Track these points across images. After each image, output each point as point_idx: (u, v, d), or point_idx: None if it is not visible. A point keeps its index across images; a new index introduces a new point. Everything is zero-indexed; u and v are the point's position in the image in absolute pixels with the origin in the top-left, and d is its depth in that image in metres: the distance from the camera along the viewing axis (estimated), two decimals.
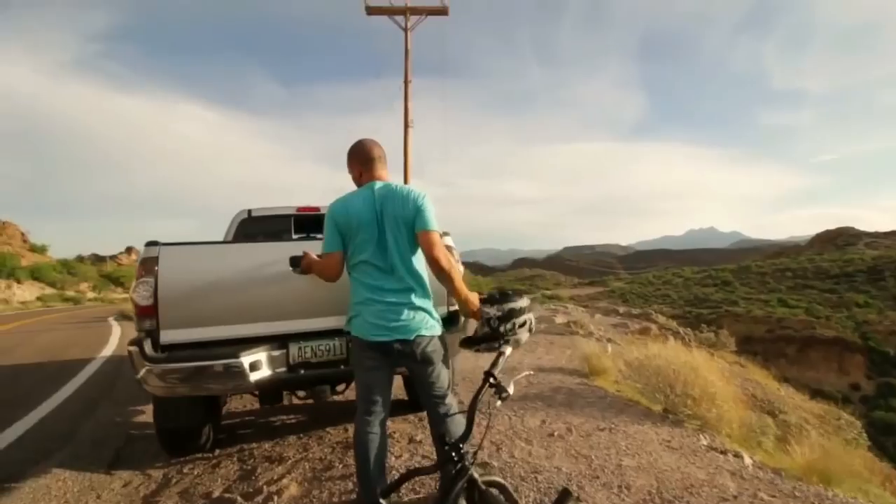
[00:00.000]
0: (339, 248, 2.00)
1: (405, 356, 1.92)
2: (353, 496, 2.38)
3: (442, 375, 1.98)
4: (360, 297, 1.96)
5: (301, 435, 3.47)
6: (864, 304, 39.37)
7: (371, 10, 14.45)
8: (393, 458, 2.83)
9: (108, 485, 2.90)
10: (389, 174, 2.11)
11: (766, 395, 9.29)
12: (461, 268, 3.12)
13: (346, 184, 2.20)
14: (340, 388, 3.15)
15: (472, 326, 1.90)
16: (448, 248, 3.05)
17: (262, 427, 3.81)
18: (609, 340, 9.88)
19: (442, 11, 14.50)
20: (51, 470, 3.09)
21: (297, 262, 2.33)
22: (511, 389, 1.49)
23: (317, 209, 4.54)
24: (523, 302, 1.83)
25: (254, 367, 2.56)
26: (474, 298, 1.89)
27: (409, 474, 1.52)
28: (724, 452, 3.27)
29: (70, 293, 34.74)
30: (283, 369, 2.71)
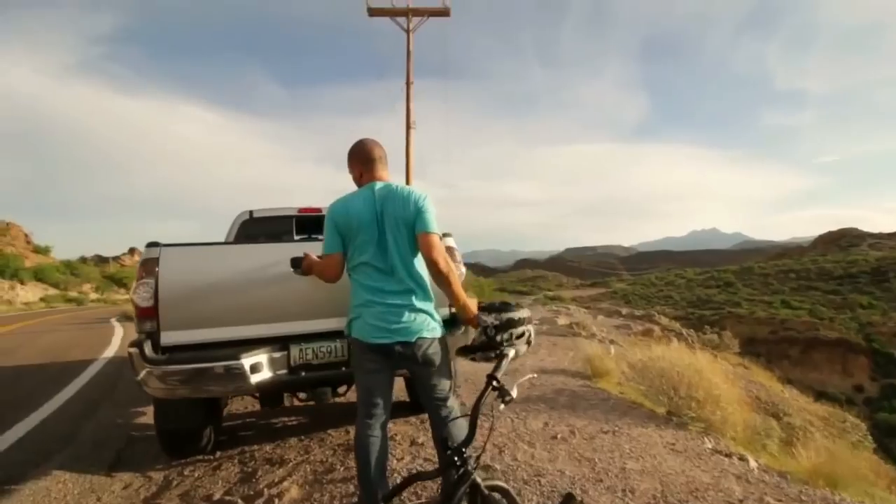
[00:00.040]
0: (339, 250, 1.98)
1: (406, 358, 1.90)
2: (355, 499, 2.36)
3: (443, 378, 1.96)
4: (360, 299, 1.94)
5: (302, 437, 3.45)
6: (868, 305, 39.21)
7: (373, 12, 14.47)
8: (394, 461, 2.81)
9: (108, 487, 2.89)
10: (391, 175, 2.09)
11: (770, 398, 9.23)
12: (464, 270, 3.10)
13: (347, 185, 2.18)
14: (342, 390, 3.14)
15: (473, 332, 1.89)
16: (450, 249, 3.03)
17: (263, 429, 3.80)
18: (612, 342, 9.85)
19: (444, 13, 14.51)
20: (51, 472, 3.08)
21: (298, 264, 2.32)
22: (514, 393, 1.47)
23: (318, 210, 4.53)
24: (523, 313, 1.81)
25: (255, 368, 2.54)
26: (472, 305, 1.86)
27: (411, 479, 1.50)
28: (728, 455, 3.24)
29: (73, 294, 34.89)
30: (284, 371, 2.69)
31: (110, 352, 8.14)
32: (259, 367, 2.57)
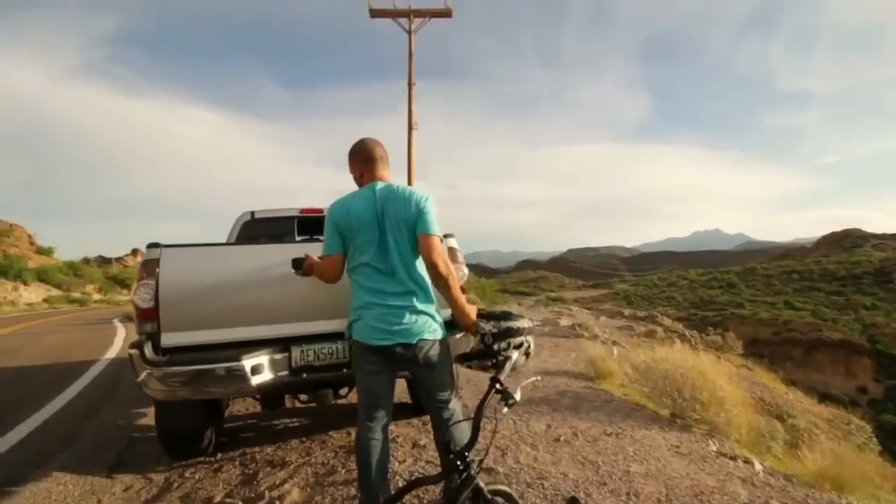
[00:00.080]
0: (339, 250, 1.96)
1: (407, 360, 1.88)
2: (356, 502, 2.34)
3: (445, 380, 1.94)
4: (360, 300, 1.92)
5: (303, 439, 3.43)
6: (872, 306, 39.03)
7: (375, 13, 14.49)
8: (396, 464, 2.79)
9: (109, 489, 2.87)
10: (392, 175, 2.07)
11: (774, 399, 9.18)
12: (466, 271, 3.07)
13: (347, 185, 2.16)
14: (343, 391, 3.12)
15: (474, 338, 1.87)
16: (452, 250, 3.01)
17: (265, 431, 3.78)
18: (614, 343, 9.82)
19: (445, 14, 14.52)
20: (52, 473, 3.07)
21: (299, 264, 2.30)
22: (518, 396, 1.45)
23: (320, 211, 4.52)
24: (523, 323, 1.79)
25: (256, 370, 2.53)
26: (471, 311, 1.84)
27: (413, 484, 1.48)
28: (733, 458, 3.21)
29: (76, 295, 35.02)
30: (285, 373, 2.67)
31: (112, 353, 8.15)
32: (260, 368, 2.56)
